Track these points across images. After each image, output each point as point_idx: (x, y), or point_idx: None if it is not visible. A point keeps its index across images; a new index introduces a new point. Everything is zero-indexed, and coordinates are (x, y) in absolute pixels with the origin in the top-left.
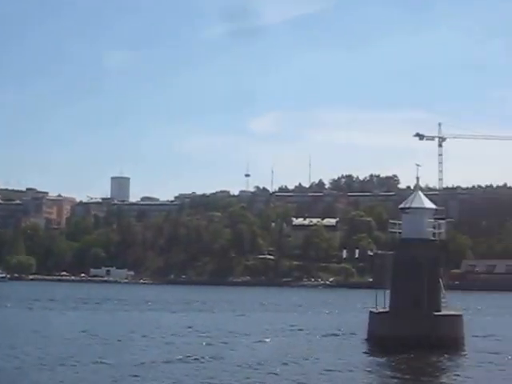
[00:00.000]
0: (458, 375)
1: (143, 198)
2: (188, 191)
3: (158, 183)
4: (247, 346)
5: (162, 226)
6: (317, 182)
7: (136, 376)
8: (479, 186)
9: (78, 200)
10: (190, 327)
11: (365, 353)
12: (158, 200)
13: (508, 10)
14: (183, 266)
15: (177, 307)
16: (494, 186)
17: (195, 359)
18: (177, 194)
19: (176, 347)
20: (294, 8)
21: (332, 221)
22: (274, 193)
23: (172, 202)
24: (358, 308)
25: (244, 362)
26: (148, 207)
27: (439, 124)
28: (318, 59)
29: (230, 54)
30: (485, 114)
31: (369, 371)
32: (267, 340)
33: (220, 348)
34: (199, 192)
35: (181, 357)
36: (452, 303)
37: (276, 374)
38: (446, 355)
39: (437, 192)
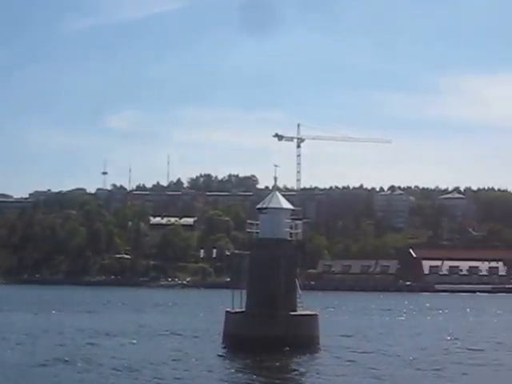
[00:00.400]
0: (316, 374)
1: None
2: (43, 188)
3: (12, 180)
4: (113, 348)
5: (15, 224)
6: (175, 180)
7: None
8: (336, 187)
9: None
10: (47, 329)
11: (221, 353)
12: (11, 197)
13: (369, 9)
14: (37, 265)
15: (32, 308)
16: (351, 187)
17: (64, 361)
18: (31, 192)
19: (41, 349)
20: (154, 3)
21: (190, 220)
22: (131, 191)
23: (26, 199)
24: (215, 308)
25: (111, 364)
26: (1, 204)
27: (298, 125)
28: (178, 58)
29: (90, 49)
30: (344, 115)
31: (224, 372)
32: (133, 341)
33: (86, 350)
34: (55, 189)
35: (46, 359)
36: (308, 303)
37: (143, 376)
38: (302, 354)
39: (294, 192)
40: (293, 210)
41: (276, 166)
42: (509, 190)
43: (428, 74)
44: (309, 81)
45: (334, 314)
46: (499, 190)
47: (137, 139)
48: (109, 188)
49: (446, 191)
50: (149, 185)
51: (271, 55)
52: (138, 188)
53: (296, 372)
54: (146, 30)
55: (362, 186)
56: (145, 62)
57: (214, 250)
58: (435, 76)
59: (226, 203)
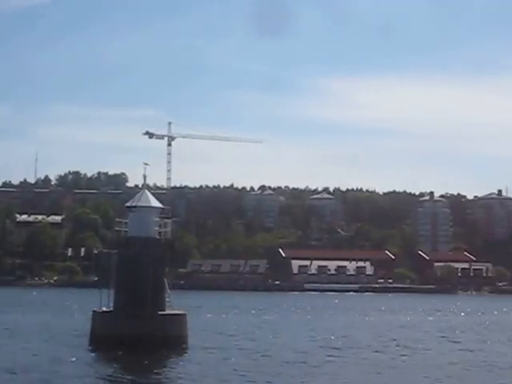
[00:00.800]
0: (180, 372)
1: None
2: None
3: None
4: None
5: None
6: (43, 177)
7: None
8: (207, 186)
9: None
10: None
11: (90, 354)
12: None
13: (235, 10)
14: None
15: None
16: (221, 186)
17: None
18: None
19: None
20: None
21: (57, 218)
22: None
23: None
24: (83, 307)
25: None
26: None
27: (169, 123)
28: (46, 54)
29: None
30: (214, 114)
31: (92, 372)
32: (6, 342)
33: None
34: None
35: None
36: (177, 302)
37: (19, 378)
38: (170, 354)
39: (164, 191)
40: (162, 208)
41: (146, 164)
42: (377, 191)
43: (297, 75)
44: (180, 79)
45: (203, 314)
46: (367, 190)
47: (3, 135)
48: None
49: (315, 191)
50: (15, 181)
51: (141, 51)
52: (4, 185)
53: (159, 372)
54: (15, 24)
55: (232, 186)
56: (12, 57)
57: (82, 249)
58: (305, 77)
59: (94, 201)
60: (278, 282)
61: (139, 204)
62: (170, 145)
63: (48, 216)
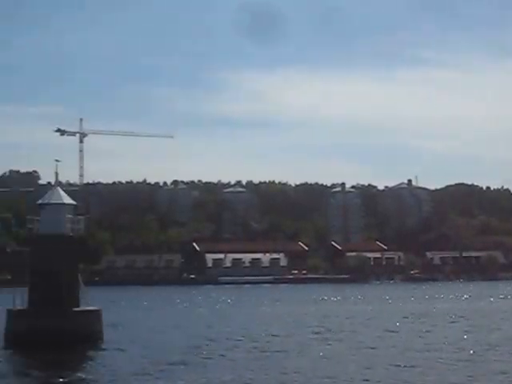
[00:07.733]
0: (102, 368)
1: None
2: None
3: None
4: None
5: None
6: None
7: None
8: (119, 182)
9: None
10: None
11: (6, 353)
12: None
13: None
14: None
15: None
16: (134, 181)
17: None
18: None
19: None
20: None
21: None
22: None
23: None
24: None
25: None
26: None
27: (80, 120)
28: None
29: None
30: (125, 110)
31: (7, 370)
32: None
33: None
34: None
35: None
36: (93, 299)
37: None
38: (87, 350)
39: (77, 188)
40: (74, 205)
41: (57, 160)
42: (289, 183)
43: (208, 70)
44: (89, 75)
45: (118, 309)
46: (280, 183)
47: None
48: None
49: (228, 185)
50: None
51: (61, 50)
52: None
53: (83, 368)
54: None
55: (145, 181)
56: None
57: None
58: (215, 72)
59: (6, 199)
60: (193, 276)
61: (51, 201)
62: (81, 141)
63: None
